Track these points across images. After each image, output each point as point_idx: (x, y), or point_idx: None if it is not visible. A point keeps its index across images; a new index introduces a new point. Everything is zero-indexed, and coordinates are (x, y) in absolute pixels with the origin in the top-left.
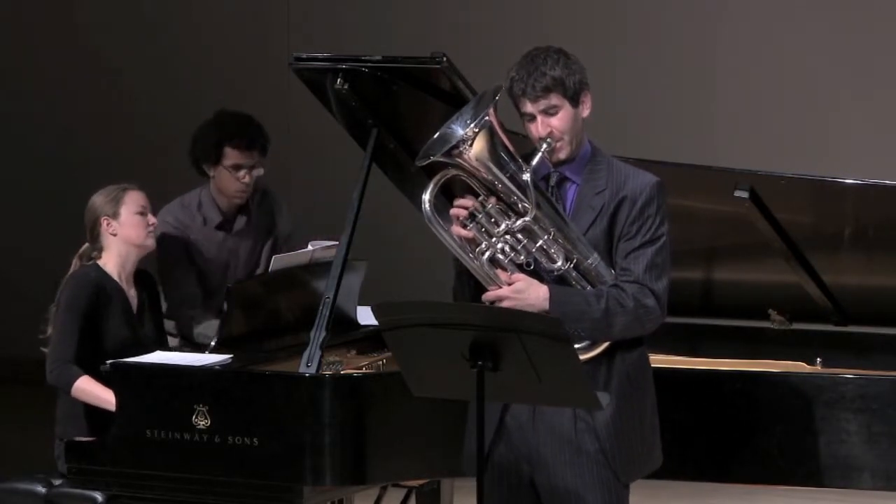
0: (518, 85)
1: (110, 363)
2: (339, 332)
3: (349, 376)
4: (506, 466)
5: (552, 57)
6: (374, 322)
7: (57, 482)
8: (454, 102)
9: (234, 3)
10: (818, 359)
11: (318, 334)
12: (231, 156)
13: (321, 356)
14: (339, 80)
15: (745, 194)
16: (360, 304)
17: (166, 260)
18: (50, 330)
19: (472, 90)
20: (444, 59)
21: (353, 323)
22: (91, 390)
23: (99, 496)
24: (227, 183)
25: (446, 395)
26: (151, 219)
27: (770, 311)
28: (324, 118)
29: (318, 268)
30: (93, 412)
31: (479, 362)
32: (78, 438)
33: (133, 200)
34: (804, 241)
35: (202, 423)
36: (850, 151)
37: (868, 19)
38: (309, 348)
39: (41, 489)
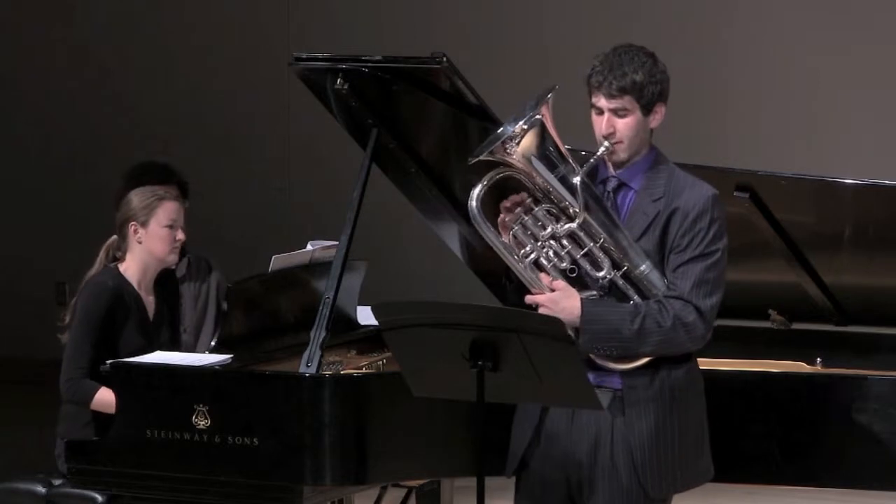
0: (597, 77)
1: (110, 363)
2: (339, 332)
3: (349, 376)
4: (542, 471)
5: (639, 59)
6: (374, 322)
7: (57, 482)
8: (454, 102)
9: (234, 3)
10: (818, 359)
11: (318, 334)
12: None
13: (321, 356)
14: (339, 80)
15: (745, 194)
16: (360, 304)
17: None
18: (69, 319)
19: (472, 90)
20: (444, 59)
21: (353, 323)
22: (111, 400)
23: (99, 496)
24: None
25: (446, 395)
26: (180, 234)
27: (770, 311)
28: (324, 118)
29: (318, 268)
30: (98, 412)
31: (479, 362)
32: (78, 438)
33: (164, 212)
34: (804, 241)
35: (202, 423)
36: (850, 151)
37: (868, 19)
38: (309, 348)
39: (41, 489)
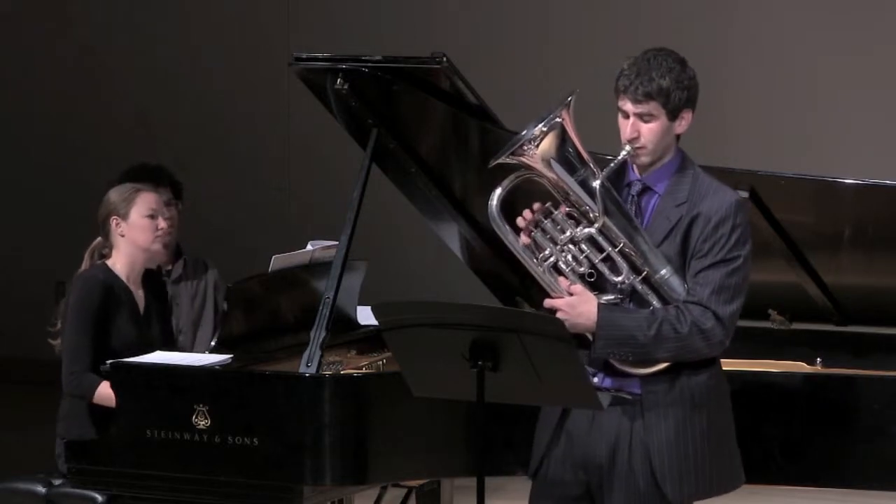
0: (623, 80)
1: (110, 363)
2: (339, 332)
3: (349, 376)
4: (561, 472)
5: (668, 64)
6: (374, 322)
7: (57, 482)
8: (454, 102)
9: (234, 3)
10: (818, 359)
11: (318, 334)
12: None
13: (321, 356)
14: (339, 80)
15: (745, 194)
16: (360, 304)
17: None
18: (60, 324)
19: (472, 90)
20: (444, 59)
21: (353, 323)
22: (112, 395)
23: (99, 496)
24: None
25: (446, 395)
26: (161, 223)
27: (770, 311)
28: (324, 118)
29: (318, 268)
30: (96, 410)
31: (479, 362)
32: (78, 438)
33: (144, 202)
34: (804, 241)
35: (202, 423)
36: (850, 151)
37: (869, 19)
38: (309, 348)
39: (41, 489)
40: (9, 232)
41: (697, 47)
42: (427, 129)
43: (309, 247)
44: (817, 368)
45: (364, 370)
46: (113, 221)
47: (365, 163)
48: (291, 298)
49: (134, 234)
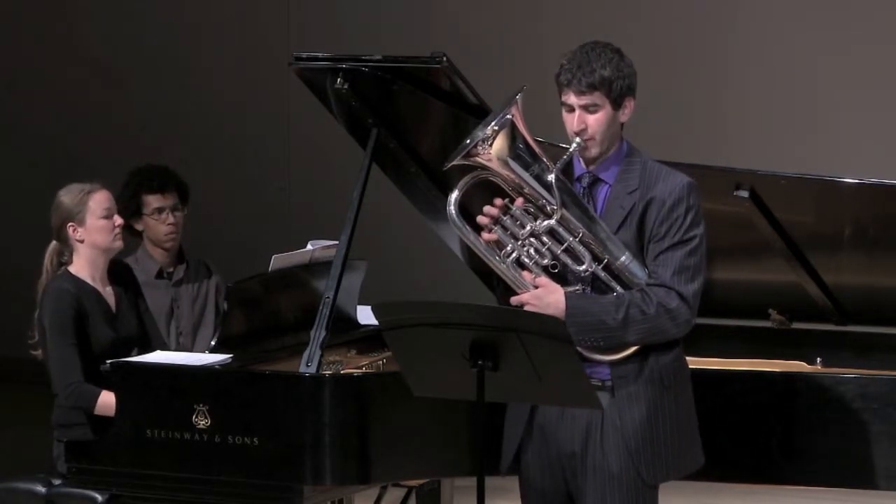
0: (566, 75)
1: (110, 363)
2: (339, 332)
3: (349, 376)
4: (538, 468)
5: (606, 55)
6: (374, 322)
7: (57, 482)
8: (454, 102)
9: (234, 3)
10: (818, 359)
11: (318, 334)
12: (150, 201)
13: (321, 356)
14: (339, 79)
15: (745, 194)
16: (360, 304)
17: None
18: (38, 336)
19: (472, 90)
20: (444, 59)
21: (353, 323)
22: (113, 403)
23: (99, 496)
24: (155, 229)
25: (446, 395)
26: (118, 219)
27: (770, 311)
28: (324, 118)
29: (318, 268)
30: (93, 415)
31: (479, 362)
32: (76, 438)
33: (97, 204)
34: (804, 241)
35: (202, 422)
36: (851, 151)
37: (869, 19)
38: (309, 348)
39: (41, 489)
40: (8, 232)
41: (698, 47)
42: (427, 129)
43: (309, 247)
44: (817, 368)
45: (364, 370)
46: (69, 228)
47: (365, 163)
48: (291, 298)
49: (93, 238)
